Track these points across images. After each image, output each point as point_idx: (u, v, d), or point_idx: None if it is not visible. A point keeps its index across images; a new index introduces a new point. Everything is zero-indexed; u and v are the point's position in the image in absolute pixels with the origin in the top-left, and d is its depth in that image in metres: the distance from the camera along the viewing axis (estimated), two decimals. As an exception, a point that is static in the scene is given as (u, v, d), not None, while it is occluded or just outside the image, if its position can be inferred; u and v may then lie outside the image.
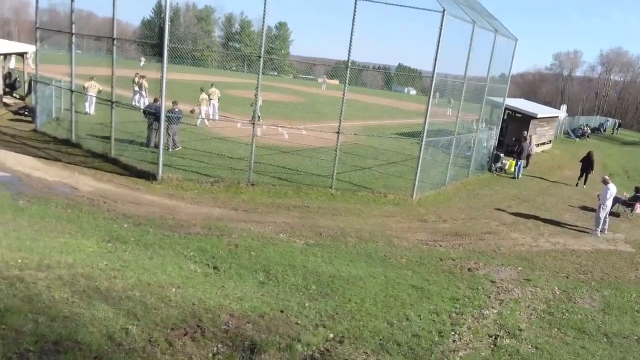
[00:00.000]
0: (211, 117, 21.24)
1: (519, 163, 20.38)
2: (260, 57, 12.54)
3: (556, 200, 17.29)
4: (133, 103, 21.68)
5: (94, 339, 4.39)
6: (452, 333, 6.44)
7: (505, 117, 25.13)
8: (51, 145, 14.71)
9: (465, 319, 7.01)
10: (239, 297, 6.44)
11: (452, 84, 16.28)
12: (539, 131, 27.65)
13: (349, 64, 13.04)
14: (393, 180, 15.63)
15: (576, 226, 14.09)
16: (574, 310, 8.09)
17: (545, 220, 14.21)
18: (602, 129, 55.65)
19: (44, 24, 17.63)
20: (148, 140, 15.03)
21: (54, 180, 11.57)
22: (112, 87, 13.64)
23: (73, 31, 14.46)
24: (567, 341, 6.77)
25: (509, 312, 7.58)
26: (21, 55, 23.69)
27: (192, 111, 18.70)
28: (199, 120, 19.78)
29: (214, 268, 7.54)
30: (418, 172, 14.00)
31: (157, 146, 12.73)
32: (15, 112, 19.01)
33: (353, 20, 12.50)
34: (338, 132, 13.41)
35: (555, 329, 7.18)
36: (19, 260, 5.98)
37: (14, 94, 22.94)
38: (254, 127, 13.04)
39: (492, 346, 6.25)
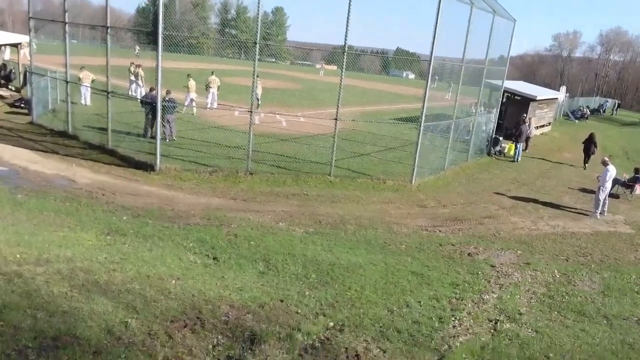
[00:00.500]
0: (209, 105, 21.12)
1: (518, 146, 20.33)
2: (256, 43, 12.40)
3: (555, 183, 17.26)
4: (130, 93, 21.53)
5: (93, 334, 4.40)
6: (452, 319, 6.46)
7: (504, 100, 24.99)
8: (48, 138, 14.63)
9: (465, 304, 7.03)
10: (238, 287, 6.44)
11: (450, 67, 16.14)
12: (538, 113, 27.50)
13: (346, 49, 12.91)
14: (392, 166, 15.59)
15: (575, 208, 14.09)
16: (574, 293, 8.11)
17: (544, 204, 14.21)
18: (601, 110, 55.42)
19: (38, 14, 17.44)
20: (145, 131, 14.95)
21: (52, 173, 11.53)
22: (107, 76, 13.52)
23: (66, 20, 14.28)
24: (567, 324, 6.80)
25: (509, 296, 7.60)
26: (15, 46, 23.44)
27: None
28: (191, 108, 19.75)
29: (214, 259, 7.54)
30: (417, 158, 13.95)
31: (154, 137, 12.65)
32: (11, 105, 18.89)
33: (349, 4, 12.34)
34: (336, 119, 13.32)
35: (555, 312, 7.20)
36: (18, 255, 5.98)
37: (10, 86, 22.77)
38: (251, 115, 12.94)
39: (492, 331, 6.27)
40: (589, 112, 45.60)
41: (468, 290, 7.61)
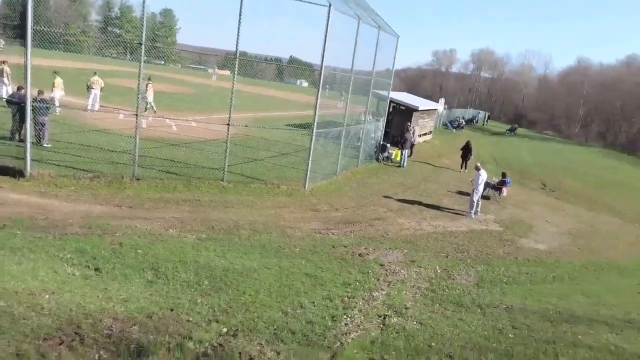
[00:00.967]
0: (89, 107, 19.58)
1: (403, 153, 21.65)
2: (141, 44, 11.77)
3: (437, 187, 18.65)
4: (-6, 92, 19.23)
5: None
6: (344, 317, 6.65)
7: (391, 109, 26.50)
8: None
9: (356, 302, 7.28)
10: (123, 298, 6.02)
11: (340, 77, 16.72)
12: (420, 122, 29.58)
13: (237, 55, 12.78)
14: (285, 171, 15.70)
15: (454, 209, 15.33)
16: (453, 286, 8.81)
17: (427, 205, 15.26)
18: (474, 121, 61.25)
19: None
20: (12, 133, 13.41)
21: None
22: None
23: None
24: (447, 315, 7.35)
25: (396, 292, 8.02)
26: None
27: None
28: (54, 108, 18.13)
29: (95, 270, 6.97)
30: (309, 163, 14.21)
31: (23, 139, 11.38)
32: None
33: (240, 11, 12.26)
34: (228, 124, 13.10)
35: (437, 305, 7.76)
36: None
37: None
38: (137, 118, 12.22)
39: (381, 326, 6.56)
40: (464, 123, 50.07)
41: (359, 289, 7.89)
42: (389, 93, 22.23)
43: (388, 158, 22.31)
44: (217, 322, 5.80)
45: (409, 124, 23.88)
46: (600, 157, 46.93)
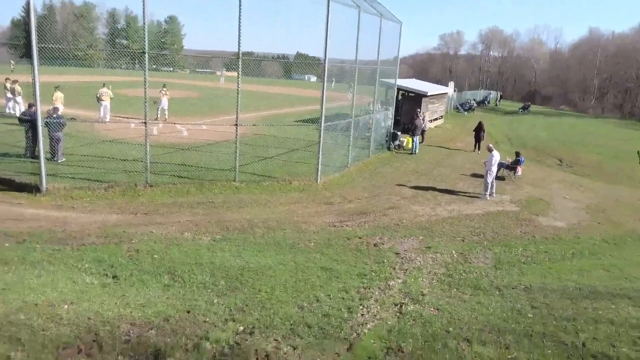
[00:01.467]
0: (101, 119, 19.89)
1: (415, 139, 21.50)
2: (144, 52, 11.89)
3: (450, 171, 18.49)
4: (7, 111, 19.67)
5: (-32, 374, 3.94)
6: (361, 307, 6.66)
7: (400, 97, 26.34)
8: None
9: (372, 292, 7.28)
10: (141, 304, 6.12)
11: (345, 68, 16.65)
12: (430, 108, 29.33)
13: (240, 55, 12.81)
14: (297, 167, 15.73)
15: (468, 193, 15.19)
16: (470, 269, 8.74)
17: (441, 190, 15.15)
18: (486, 102, 60.45)
19: None
20: (26, 150, 13.69)
21: None
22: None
23: None
24: (464, 299, 7.30)
25: (412, 279, 8.00)
26: None
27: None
28: None
29: (113, 277, 7.10)
30: (320, 157, 14.22)
31: (37, 156, 11.61)
32: None
33: (240, 11, 12.28)
34: (236, 124, 13.17)
35: (454, 289, 7.71)
36: None
37: None
38: (146, 126, 12.36)
39: (397, 314, 6.55)
40: (475, 104, 49.48)
41: (375, 279, 7.89)
42: (395, 80, 22.06)
43: (399, 146, 22.19)
44: (234, 321, 5.86)
45: (419, 110, 23.71)
46: (617, 128, 45.92)
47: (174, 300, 6.40)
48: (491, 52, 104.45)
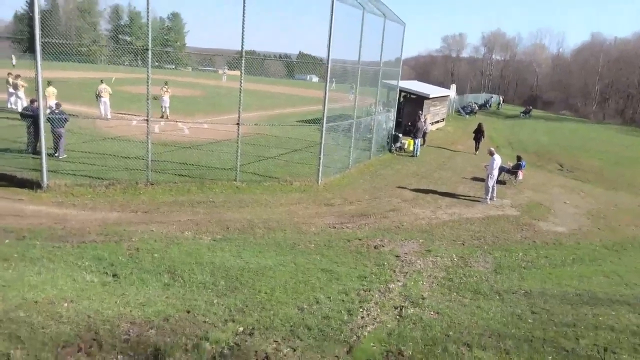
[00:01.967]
0: (103, 115, 19.88)
1: (416, 142, 21.49)
2: (147, 49, 11.88)
3: (451, 174, 18.48)
4: (9, 106, 19.66)
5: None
6: (361, 310, 6.65)
7: (402, 99, 26.31)
8: None
9: (372, 295, 7.27)
10: (141, 303, 6.11)
11: (348, 69, 16.64)
12: (432, 110, 29.31)
13: (243, 53, 12.81)
14: (298, 168, 15.72)
15: (469, 196, 15.18)
16: (470, 274, 8.73)
17: (442, 194, 15.14)
18: (487, 105, 60.43)
19: None
20: (28, 146, 13.67)
21: None
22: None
23: None
24: (464, 303, 7.29)
25: (412, 283, 7.99)
26: None
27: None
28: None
29: (113, 275, 7.08)
30: (321, 158, 14.21)
31: (38, 152, 11.59)
32: None
33: (244, 9, 12.28)
34: (238, 124, 13.16)
35: (454, 293, 7.70)
36: None
37: None
38: (147, 124, 12.35)
39: (397, 317, 6.54)
40: (477, 108, 49.46)
41: (375, 282, 7.88)
42: (398, 82, 22.04)
43: (401, 148, 22.18)
44: (234, 321, 5.85)
45: (421, 112, 23.71)
46: (619, 134, 45.89)
47: (173, 299, 6.39)
48: (493, 56, 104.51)
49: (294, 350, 5.26)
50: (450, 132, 31.67)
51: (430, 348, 5.67)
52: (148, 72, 12.01)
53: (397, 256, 9.35)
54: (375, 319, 6.42)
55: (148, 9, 11.58)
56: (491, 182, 14.50)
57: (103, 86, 20.34)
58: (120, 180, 12.20)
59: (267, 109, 29.14)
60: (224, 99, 32.89)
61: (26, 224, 9.02)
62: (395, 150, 21.98)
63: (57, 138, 13.39)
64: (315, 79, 78.11)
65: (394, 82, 21.92)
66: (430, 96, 27.39)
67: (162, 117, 21.74)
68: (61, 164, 13.00)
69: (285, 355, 5.12)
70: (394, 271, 8.52)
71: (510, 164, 18.00)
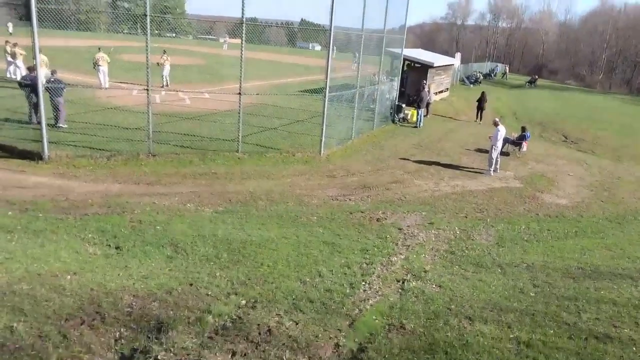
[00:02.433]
0: (102, 85, 19.63)
1: (419, 112, 21.23)
2: (146, 15, 11.59)
3: (454, 145, 18.33)
4: (8, 75, 19.42)
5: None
6: (363, 283, 6.67)
7: (405, 67, 25.86)
8: None
9: (375, 268, 7.28)
10: (143, 275, 6.14)
11: (351, 37, 16.28)
12: (436, 80, 28.87)
13: (244, 20, 12.51)
14: (300, 139, 15.59)
15: (472, 168, 15.08)
16: (473, 246, 8.73)
17: (445, 165, 15.05)
18: (492, 75, 59.55)
19: None
20: (30, 116, 13.55)
21: None
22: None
23: None
24: (466, 276, 7.30)
25: (414, 256, 8.00)
26: None
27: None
28: None
29: (116, 248, 7.10)
30: (324, 129, 14.05)
31: (40, 122, 11.48)
32: None
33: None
34: (239, 93, 12.97)
35: (457, 267, 7.71)
36: None
37: None
38: (148, 94, 12.17)
39: (400, 290, 6.57)
40: (482, 77, 48.75)
41: (377, 255, 7.89)
42: (402, 50, 21.60)
43: (404, 119, 21.94)
44: (236, 294, 5.88)
45: (425, 81, 23.32)
46: (624, 104, 45.34)
47: (176, 272, 6.41)
48: (500, 23, 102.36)
49: (296, 324, 5.29)
50: (454, 102, 31.29)
51: (432, 321, 5.69)
52: (147, 39, 11.74)
53: (399, 229, 9.34)
54: (377, 292, 6.44)
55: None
56: (495, 154, 14.37)
57: (101, 54, 19.98)
58: (122, 151, 12.12)
59: (268, 78, 28.75)
60: (225, 68, 32.44)
61: (29, 195, 9.01)
62: (399, 121, 21.75)
63: (55, 107, 13.24)
64: (317, 47, 76.84)
65: (397, 50, 21.48)
66: (435, 65, 26.91)
67: (162, 86, 21.48)
68: (62, 134, 12.90)
69: (287, 329, 5.15)
70: (396, 244, 8.52)
71: (515, 134, 17.81)
